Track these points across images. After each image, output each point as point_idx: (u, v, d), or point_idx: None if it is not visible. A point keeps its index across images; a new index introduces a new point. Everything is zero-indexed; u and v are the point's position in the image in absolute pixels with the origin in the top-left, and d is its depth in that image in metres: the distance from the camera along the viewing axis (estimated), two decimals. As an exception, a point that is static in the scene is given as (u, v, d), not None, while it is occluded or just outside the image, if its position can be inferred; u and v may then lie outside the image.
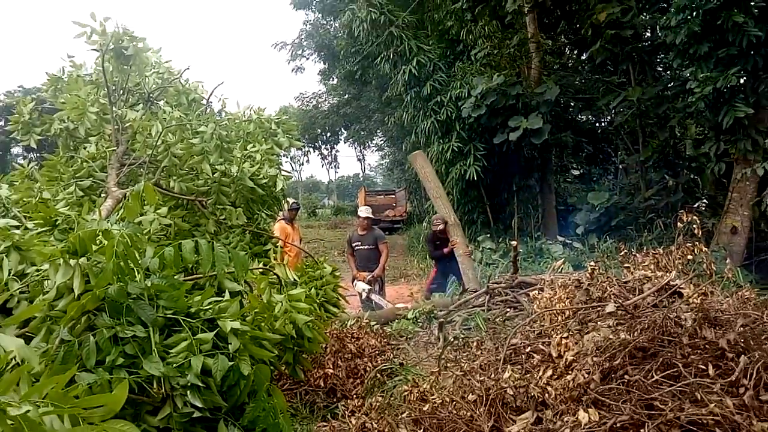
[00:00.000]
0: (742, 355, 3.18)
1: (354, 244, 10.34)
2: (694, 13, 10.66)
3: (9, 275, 2.88)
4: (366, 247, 10.17)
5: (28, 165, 5.28)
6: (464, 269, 9.63)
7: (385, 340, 6.51)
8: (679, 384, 3.07)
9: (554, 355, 3.65)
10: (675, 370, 3.19)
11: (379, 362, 5.69)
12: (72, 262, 2.70)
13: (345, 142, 46.62)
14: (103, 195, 4.61)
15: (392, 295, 11.86)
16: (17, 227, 3.49)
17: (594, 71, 16.06)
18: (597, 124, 18.01)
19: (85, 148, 5.18)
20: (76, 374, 2.46)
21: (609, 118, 16.75)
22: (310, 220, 41.90)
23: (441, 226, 10.36)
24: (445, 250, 10.24)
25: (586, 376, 3.26)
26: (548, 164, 15.66)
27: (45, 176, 4.90)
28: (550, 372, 3.48)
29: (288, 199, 8.94)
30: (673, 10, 11.08)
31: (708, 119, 11.44)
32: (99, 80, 5.46)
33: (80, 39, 4.80)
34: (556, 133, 14.50)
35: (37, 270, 2.98)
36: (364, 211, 10.59)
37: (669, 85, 13.91)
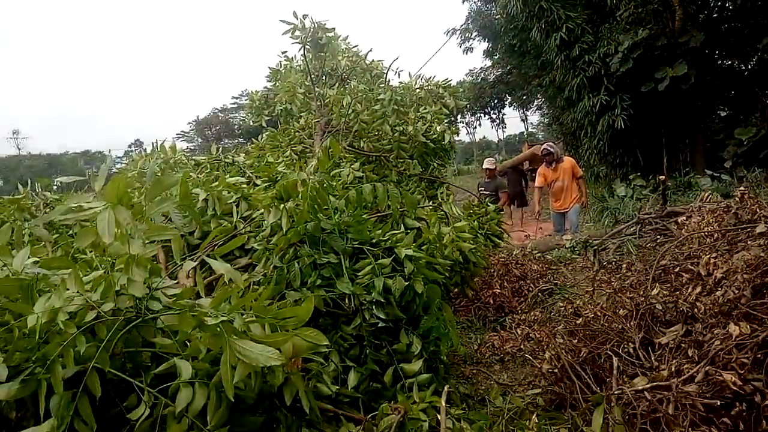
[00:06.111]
0: None
1: (480, 189, 9.79)
2: None
3: (237, 217, 2.98)
4: (488, 192, 9.42)
5: (261, 141, 5.60)
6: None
7: (546, 265, 6.09)
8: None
9: (703, 273, 3.07)
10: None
11: (540, 284, 5.34)
12: (280, 206, 2.72)
13: (510, 106, 44.51)
14: (311, 156, 4.72)
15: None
16: (247, 183, 3.64)
17: (739, 15, 13.53)
18: (743, 66, 15.23)
19: (297, 122, 5.35)
20: (286, 292, 2.48)
21: (755, 58, 14.04)
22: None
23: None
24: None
25: (737, 291, 2.69)
26: (694, 106, 13.63)
27: (269, 145, 5.13)
28: (699, 289, 2.94)
29: (545, 144, 8.56)
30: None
31: None
32: (304, 68, 5.57)
33: (286, 35, 4.89)
34: (700, 78, 12.57)
35: (261, 214, 3.06)
36: (486, 163, 10.14)
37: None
